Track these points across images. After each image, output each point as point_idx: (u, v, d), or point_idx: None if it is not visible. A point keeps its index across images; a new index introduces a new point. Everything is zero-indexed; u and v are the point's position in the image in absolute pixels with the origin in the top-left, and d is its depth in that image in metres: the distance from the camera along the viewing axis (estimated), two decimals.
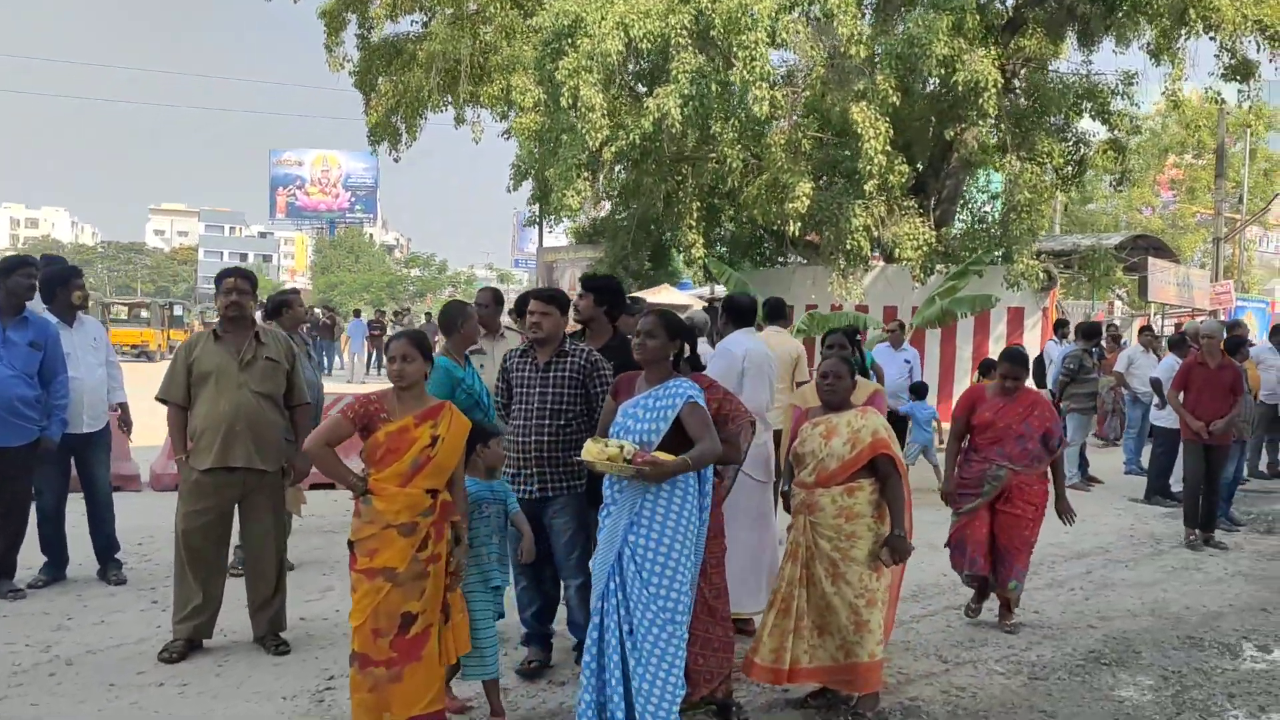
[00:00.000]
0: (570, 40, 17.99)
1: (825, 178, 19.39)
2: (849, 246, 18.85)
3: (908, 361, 10.85)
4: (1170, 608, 6.52)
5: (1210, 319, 9.68)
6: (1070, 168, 22.23)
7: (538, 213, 22.99)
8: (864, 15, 21.08)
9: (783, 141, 18.07)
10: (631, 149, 18.34)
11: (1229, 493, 9.25)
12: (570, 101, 17.54)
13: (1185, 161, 45.50)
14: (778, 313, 8.67)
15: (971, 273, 15.04)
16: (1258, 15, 18.37)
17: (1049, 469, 6.34)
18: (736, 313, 6.31)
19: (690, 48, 17.52)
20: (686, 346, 4.70)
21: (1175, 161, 46.55)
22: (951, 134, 20.84)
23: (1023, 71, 21.22)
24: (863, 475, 4.87)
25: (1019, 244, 19.36)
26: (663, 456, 4.14)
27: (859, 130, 17.16)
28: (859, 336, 10.74)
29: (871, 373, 10.61)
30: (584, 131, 17.49)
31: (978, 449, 6.38)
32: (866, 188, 17.56)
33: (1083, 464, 11.80)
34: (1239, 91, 19.46)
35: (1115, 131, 21.85)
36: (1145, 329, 18.80)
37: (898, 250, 19.26)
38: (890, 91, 17.04)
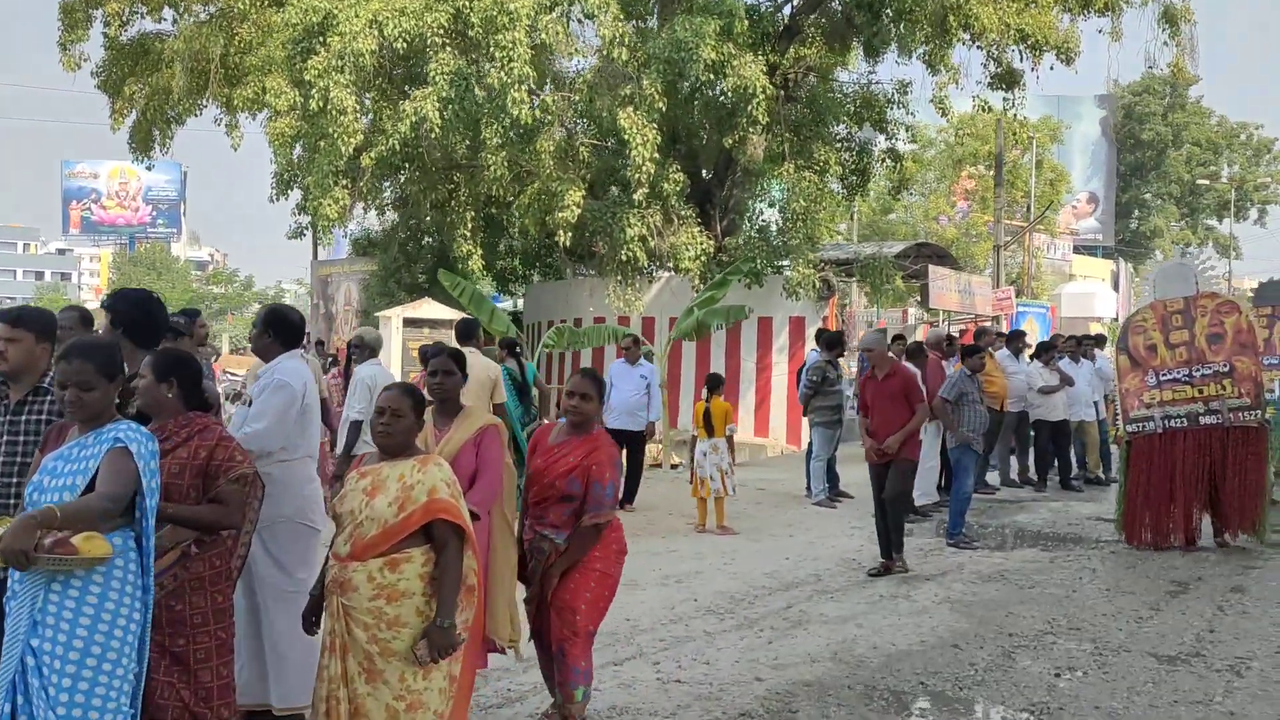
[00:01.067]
0: (321, 39, 16.84)
1: (602, 186, 18.73)
2: (624, 257, 18.25)
3: (644, 378, 10.21)
4: (856, 648, 5.92)
5: (872, 330, 9.15)
6: (854, 177, 22.36)
7: (305, 224, 21.65)
8: (628, 18, 20.59)
9: (552, 148, 17.32)
10: (392, 155, 17.28)
11: (960, 507, 8.88)
12: (321, 104, 16.39)
13: (979, 172, 47.05)
14: (468, 334, 8.02)
15: (730, 282, 14.61)
16: (1019, 24, 18.64)
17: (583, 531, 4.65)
18: (284, 333, 5.00)
19: (449, 48, 16.62)
20: (177, 382, 3.70)
21: (970, 172, 48.14)
22: (730, 142, 20.53)
23: (806, 80, 21.03)
24: (413, 543, 3.83)
25: (795, 253, 19.13)
26: (83, 539, 3.15)
27: (626, 137, 16.55)
28: (518, 350, 10.04)
29: (535, 391, 10.00)
30: (336, 136, 16.36)
31: (528, 508, 4.87)
32: (636, 196, 16.95)
33: (832, 478, 11.40)
34: (1004, 100, 19.72)
35: (892, 140, 22.01)
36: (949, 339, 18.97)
37: (676, 261, 18.76)
38: (657, 97, 16.49)
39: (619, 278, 18.92)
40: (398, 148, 17.04)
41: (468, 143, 17.50)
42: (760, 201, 22.08)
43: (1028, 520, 10.35)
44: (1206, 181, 62.07)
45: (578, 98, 17.46)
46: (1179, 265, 10.52)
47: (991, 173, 46.44)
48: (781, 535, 9.26)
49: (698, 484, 9.64)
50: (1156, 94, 65.57)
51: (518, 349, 10.18)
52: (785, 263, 19.21)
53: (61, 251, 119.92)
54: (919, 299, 25.75)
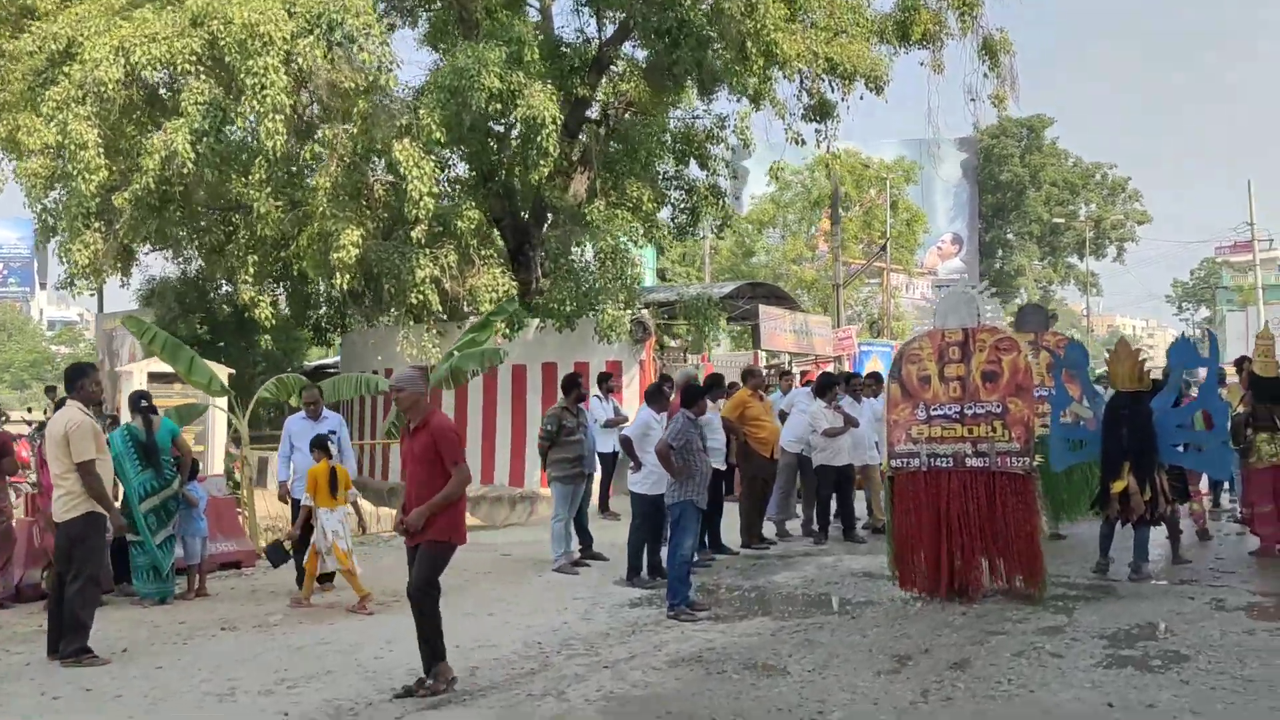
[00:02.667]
0: (65, 68, 15.28)
1: (398, 227, 17.35)
2: (414, 300, 16.94)
3: (334, 432, 8.85)
4: None
5: (406, 369, 7.86)
6: (685, 215, 21.44)
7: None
8: (433, 48, 19.43)
9: (328, 185, 15.95)
10: (148, 194, 15.71)
11: (678, 573, 7.67)
12: (60, 139, 14.82)
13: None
14: (73, 379, 6.72)
15: (493, 324, 13.39)
16: (828, 53, 17.98)
17: None
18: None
19: (203, 75, 15.21)
20: None
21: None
22: (536, 178, 19.43)
23: (624, 117, 20.03)
24: None
25: (605, 294, 18.05)
26: None
27: (403, 170, 15.30)
28: (144, 404, 8.74)
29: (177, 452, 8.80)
30: (77, 174, 14.78)
31: None
32: (415, 234, 15.68)
33: (586, 539, 10.18)
34: (816, 132, 19.02)
35: (713, 177, 21.18)
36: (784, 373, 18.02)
37: (475, 304, 17.51)
38: (434, 127, 15.30)
39: (411, 323, 17.63)
40: (152, 186, 15.49)
41: (243, 180, 16.06)
42: (588, 242, 20.88)
43: (786, 580, 9.21)
44: (1061, 220, 63.33)
45: (354, 129, 16.13)
46: (962, 293, 9.65)
47: (849, 214, 46.49)
48: (478, 614, 7.96)
49: (315, 557, 8.72)
50: (1013, 136, 66.97)
51: (143, 402, 8.78)
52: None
53: None
54: (751, 340, 24.91)
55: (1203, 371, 10.23)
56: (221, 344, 19.90)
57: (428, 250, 17.00)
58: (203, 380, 10.57)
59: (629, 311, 18.54)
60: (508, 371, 19.70)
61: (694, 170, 21.39)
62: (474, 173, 20.53)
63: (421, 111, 15.39)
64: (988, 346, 9.03)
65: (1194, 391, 10.58)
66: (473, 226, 17.01)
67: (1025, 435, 8.61)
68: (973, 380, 8.92)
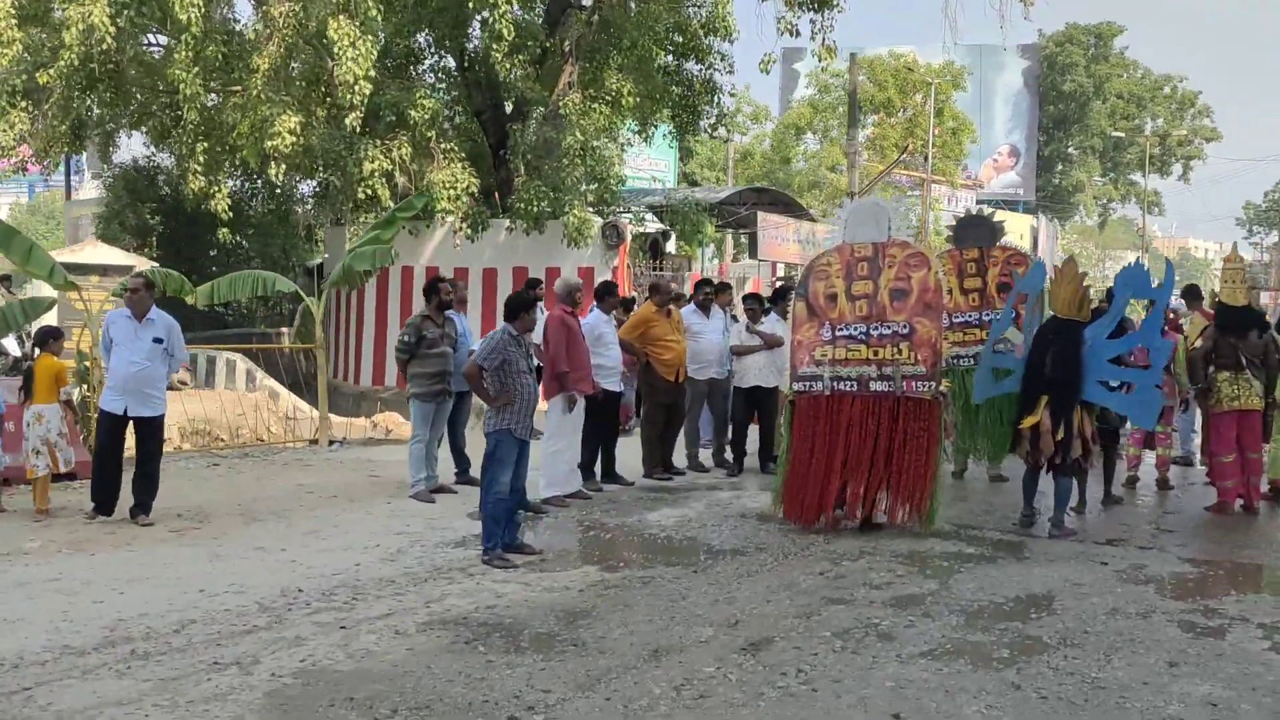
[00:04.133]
0: None
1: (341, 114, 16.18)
2: (361, 195, 15.85)
3: (159, 340, 7.75)
4: None
5: None
6: (685, 114, 20.00)
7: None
8: None
9: (266, 67, 14.81)
10: (72, 72, 14.71)
11: (494, 511, 6.57)
12: None
13: (882, 120, 44.76)
14: None
15: (398, 221, 12.23)
16: None
17: None
18: None
19: None
20: None
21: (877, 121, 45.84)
22: (508, 67, 18.10)
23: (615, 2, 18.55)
24: None
25: (571, 194, 16.84)
26: None
27: (336, 50, 14.10)
28: None
29: None
30: None
31: None
32: (348, 121, 14.52)
33: (462, 463, 9.17)
34: (811, 23, 17.38)
35: (712, 70, 19.66)
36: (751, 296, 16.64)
37: (431, 201, 16.37)
38: (371, 4, 14.04)
39: (361, 219, 16.60)
40: (76, 63, 14.48)
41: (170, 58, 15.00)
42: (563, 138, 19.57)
43: (659, 519, 8.08)
44: (1125, 135, 60.16)
45: (297, 6, 14.90)
46: (873, 204, 8.57)
47: (891, 120, 44.31)
48: (275, 547, 6.97)
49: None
50: (1080, 44, 63.51)
51: None
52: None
53: None
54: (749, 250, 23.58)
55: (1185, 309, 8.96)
56: (170, 235, 18.84)
57: (379, 141, 15.88)
58: (42, 271, 9.62)
59: (596, 213, 17.36)
60: (478, 275, 18.71)
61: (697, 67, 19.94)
62: (441, 61, 19.38)
63: None
64: (898, 262, 8.09)
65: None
66: (427, 117, 15.76)
67: (932, 358, 7.82)
68: (880, 299, 8.04)
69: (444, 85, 20.19)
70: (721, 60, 19.62)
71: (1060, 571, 6.63)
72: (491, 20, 14.72)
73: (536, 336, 8.28)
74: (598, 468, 9.40)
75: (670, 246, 24.24)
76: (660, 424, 9.91)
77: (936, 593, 6.13)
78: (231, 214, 17.38)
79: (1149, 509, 9.00)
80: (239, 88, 15.29)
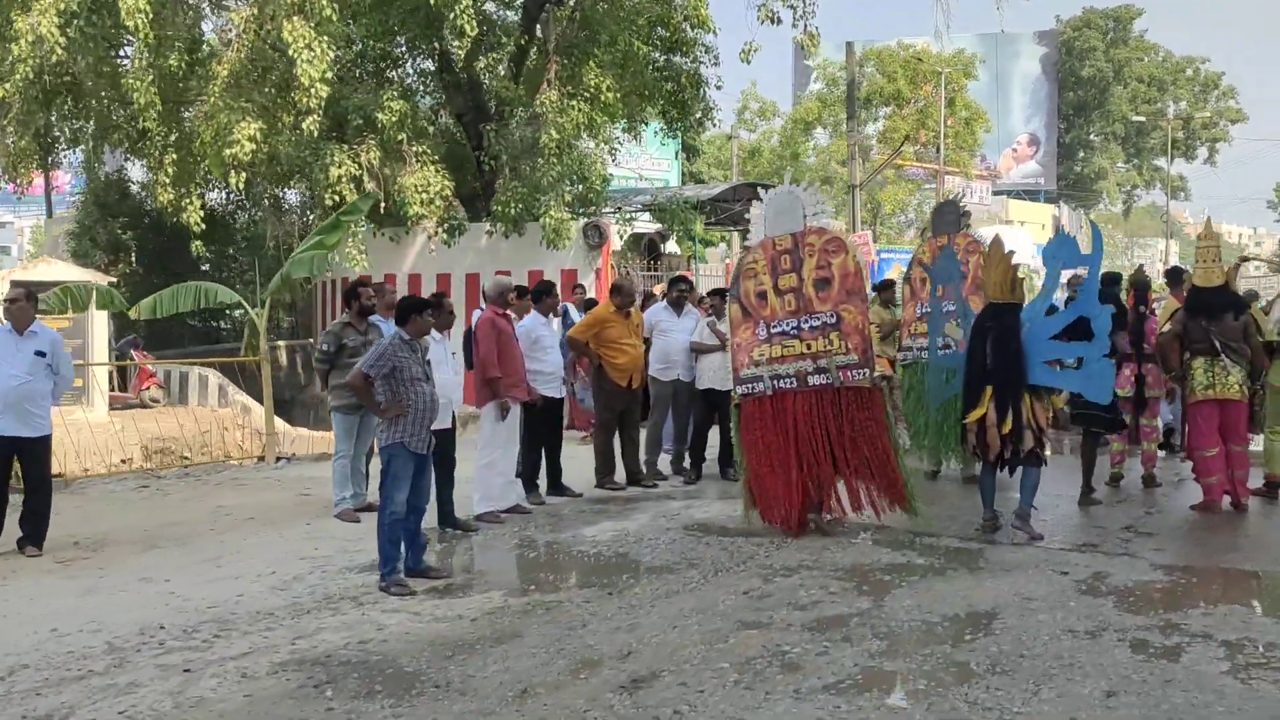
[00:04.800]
0: None
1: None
2: (329, 202, 15.37)
3: (41, 353, 7.25)
4: None
5: None
6: (674, 110, 19.43)
7: None
8: None
9: (226, 73, 14.40)
10: (28, 85, 14.35)
11: (389, 535, 6.02)
12: None
13: (893, 112, 43.97)
14: None
15: (345, 224, 11.73)
16: None
17: None
18: None
19: None
20: None
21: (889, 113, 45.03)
22: (481, 65, 17.67)
23: None
24: None
25: (548, 194, 16.29)
26: None
27: (292, 53, 13.64)
28: None
29: None
30: None
31: None
32: (306, 125, 14.04)
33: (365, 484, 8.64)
34: (792, 9, 16.77)
35: (694, 64, 19.07)
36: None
37: (403, 206, 15.91)
38: (325, 4, 13.58)
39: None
40: (31, 75, 14.12)
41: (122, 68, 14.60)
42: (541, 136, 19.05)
43: (595, 534, 7.50)
44: (1144, 119, 58.93)
45: (256, 10, 14.47)
46: (787, 194, 8.02)
47: (903, 112, 43.48)
48: (173, 574, 6.46)
49: None
50: (1098, 28, 62.40)
51: None
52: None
53: None
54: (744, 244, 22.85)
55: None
56: (150, 250, 18.42)
57: (345, 146, 15.41)
58: None
59: (573, 214, 16.82)
60: (461, 281, 18.26)
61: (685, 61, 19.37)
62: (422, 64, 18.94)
63: None
64: (817, 250, 7.74)
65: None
66: (395, 119, 15.26)
67: (862, 344, 7.45)
68: (806, 290, 7.68)
69: (425, 89, 19.82)
70: (706, 53, 19.01)
71: (1012, 584, 6.01)
72: (454, 16, 14.20)
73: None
74: (543, 479, 8.86)
75: (672, 246, 23.69)
76: (612, 431, 9.35)
77: (866, 612, 5.53)
78: (206, 226, 16.94)
79: (1131, 508, 8.32)
80: (205, 96, 14.88)
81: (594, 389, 9.57)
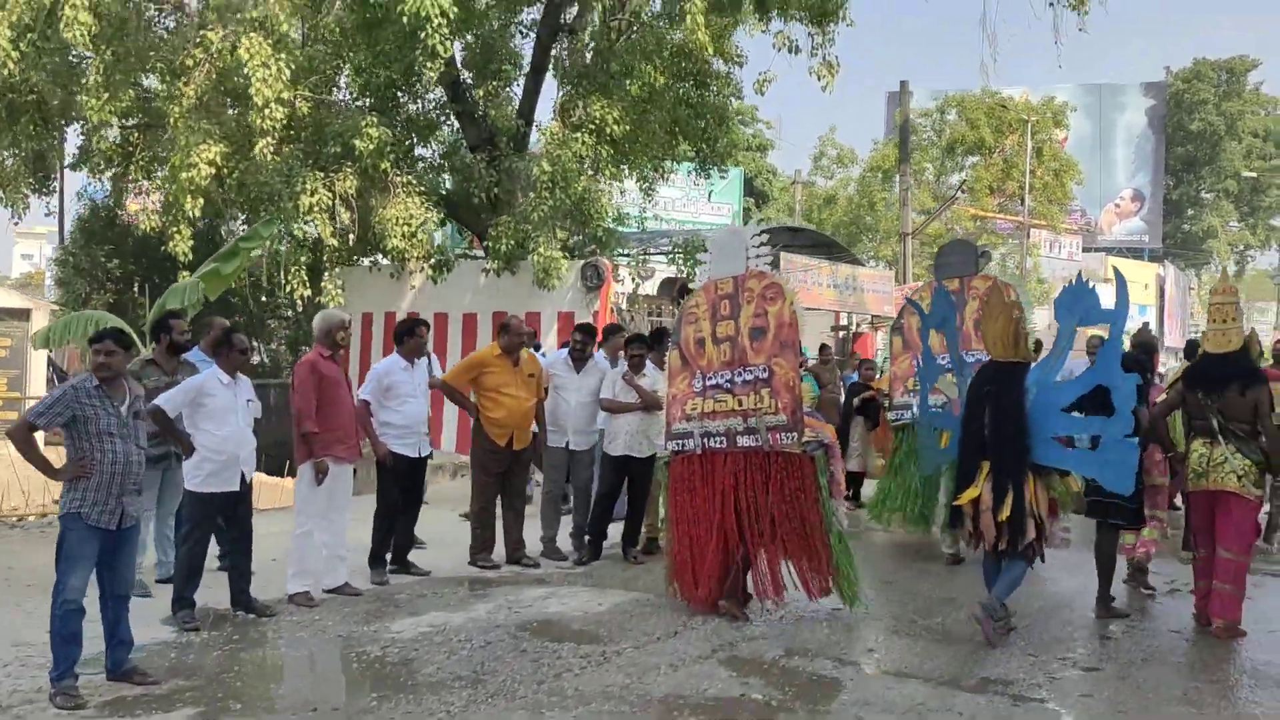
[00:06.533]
0: None
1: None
2: (297, 234, 14.42)
3: None
4: None
5: None
6: (705, 146, 18.15)
7: None
8: None
9: (193, 94, 13.59)
10: None
11: (58, 627, 4.79)
12: None
13: (977, 162, 41.97)
14: None
15: (242, 251, 10.62)
16: None
17: None
18: None
19: None
20: None
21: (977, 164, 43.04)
22: (481, 93, 16.68)
23: (627, 28, 17.02)
24: None
25: (540, 230, 15.11)
26: None
27: (248, 70, 12.75)
28: None
29: None
30: None
31: None
32: (258, 149, 13.10)
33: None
34: (810, 35, 15.39)
35: (717, 97, 17.76)
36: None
37: (381, 240, 14.92)
38: (282, 18, 12.68)
39: (299, 260, 15.13)
40: None
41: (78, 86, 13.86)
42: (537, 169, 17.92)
43: (396, 632, 6.08)
44: (1256, 175, 55.53)
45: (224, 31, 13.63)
46: (731, 233, 6.90)
47: (986, 161, 41.41)
48: None
49: None
50: (1209, 80, 59.28)
51: None
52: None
53: None
54: None
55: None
56: (137, 278, 17.57)
57: (320, 174, 14.45)
58: None
59: (568, 253, 15.60)
60: (458, 322, 17.20)
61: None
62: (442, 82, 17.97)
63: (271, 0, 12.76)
64: (755, 296, 6.88)
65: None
66: (373, 146, 14.25)
67: (791, 404, 6.64)
68: (741, 340, 6.95)
69: (441, 119, 18.90)
70: (728, 85, 17.71)
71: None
72: (425, 35, 13.17)
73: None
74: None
75: None
76: (491, 498, 7.99)
77: None
78: (194, 255, 16.14)
79: (1102, 622, 6.65)
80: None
81: (471, 448, 8.22)
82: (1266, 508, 8.63)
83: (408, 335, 7.60)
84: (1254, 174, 55.90)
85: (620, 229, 18.78)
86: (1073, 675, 5.52)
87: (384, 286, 16.99)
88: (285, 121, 13.15)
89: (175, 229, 15.55)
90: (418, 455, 7.52)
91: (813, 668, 5.56)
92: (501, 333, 8.10)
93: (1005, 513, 5.87)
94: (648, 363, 8.36)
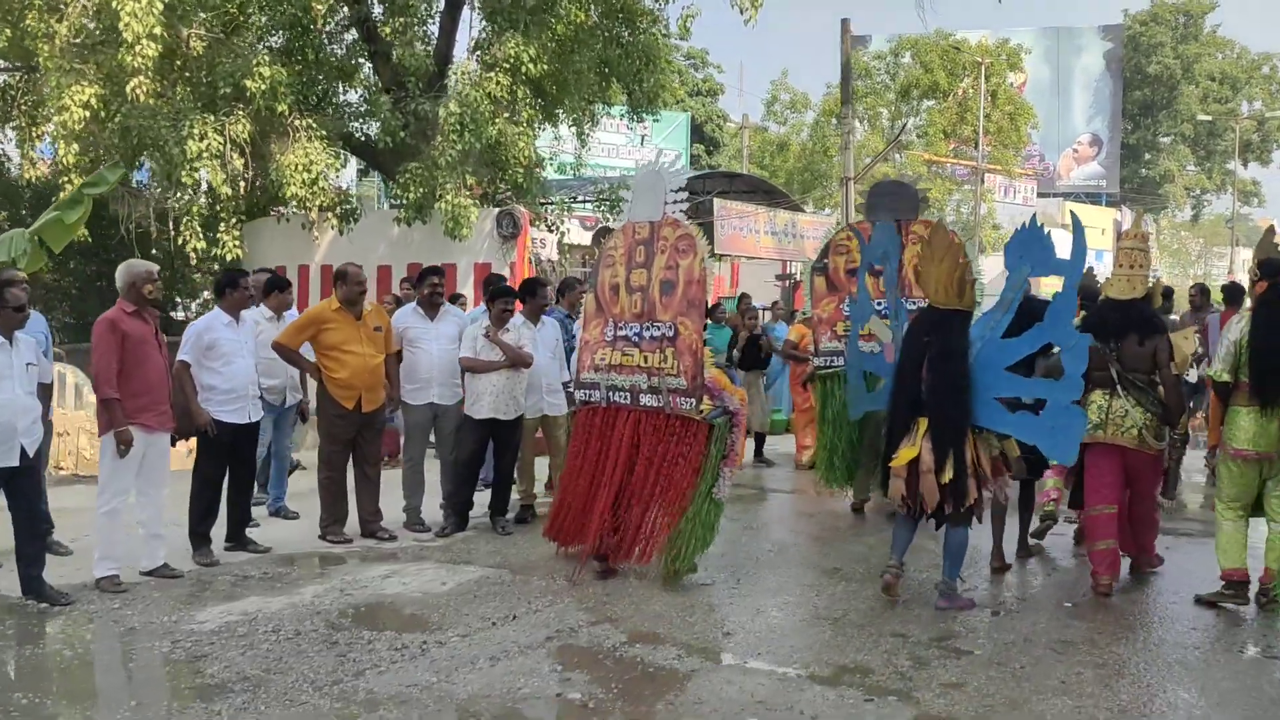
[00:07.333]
0: None
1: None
2: (185, 180, 13.53)
3: None
4: None
5: None
6: (636, 87, 17.31)
7: None
8: None
9: (65, 31, 12.65)
10: None
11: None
12: None
13: (931, 106, 41.28)
14: None
15: (86, 199, 9.83)
16: None
17: None
18: None
19: None
20: None
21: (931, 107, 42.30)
22: (387, 31, 15.76)
23: None
24: None
25: (448, 176, 14.33)
26: None
27: (114, 6, 11.82)
28: None
29: None
30: None
31: None
32: (129, 88, 12.20)
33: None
34: None
35: (641, 33, 16.92)
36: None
37: (278, 189, 14.09)
38: None
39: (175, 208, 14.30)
40: None
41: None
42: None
43: (200, 622, 5.43)
44: (1213, 119, 55.16)
45: None
46: (652, 174, 6.38)
47: (941, 105, 40.67)
48: None
49: None
50: (1167, 23, 58.72)
51: None
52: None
53: None
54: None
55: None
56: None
57: (210, 118, 13.56)
58: None
59: (476, 200, 14.81)
60: (372, 273, 16.38)
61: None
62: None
63: None
64: (669, 247, 6.40)
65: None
66: (265, 88, 13.35)
67: (693, 368, 6.13)
68: (652, 292, 6.45)
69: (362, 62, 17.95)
70: (655, 22, 16.88)
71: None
72: None
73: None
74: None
75: None
76: (340, 467, 7.30)
77: None
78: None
79: (996, 589, 6.10)
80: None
81: (318, 410, 7.52)
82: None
83: (231, 287, 6.85)
84: (1210, 118, 55.49)
85: (552, 177, 18.02)
86: (941, 660, 4.93)
87: (293, 239, 16.18)
88: (164, 59, 12.23)
89: (65, 178, 14.65)
90: (247, 421, 6.80)
91: (653, 657, 4.93)
92: (338, 282, 7.36)
93: (948, 475, 5.36)
94: (518, 316, 7.68)
